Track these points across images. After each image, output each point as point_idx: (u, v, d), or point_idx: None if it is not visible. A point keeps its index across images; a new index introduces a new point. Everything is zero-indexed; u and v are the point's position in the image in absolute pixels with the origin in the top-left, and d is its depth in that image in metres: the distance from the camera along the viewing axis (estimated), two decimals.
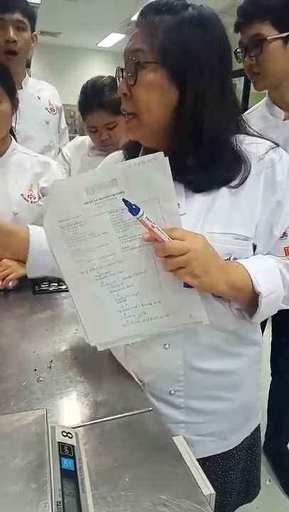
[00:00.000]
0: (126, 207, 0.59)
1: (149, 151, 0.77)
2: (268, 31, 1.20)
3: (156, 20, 0.66)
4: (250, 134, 0.75)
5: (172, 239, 0.61)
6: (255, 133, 0.76)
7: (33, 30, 1.63)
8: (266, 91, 1.40)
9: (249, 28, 1.22)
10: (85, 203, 0.62)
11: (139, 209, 0.59)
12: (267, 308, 0.72)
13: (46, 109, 1.81)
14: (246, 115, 1.48)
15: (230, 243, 0.70)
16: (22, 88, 1.72)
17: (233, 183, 0.70)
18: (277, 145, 0.74)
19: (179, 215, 0.63)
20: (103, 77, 1.48)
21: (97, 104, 1.41)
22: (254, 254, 0.75)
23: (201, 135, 0.68)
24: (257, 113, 1.43)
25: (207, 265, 0.63)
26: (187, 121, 0.68)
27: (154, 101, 0.68)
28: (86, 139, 1.69)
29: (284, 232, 0.74)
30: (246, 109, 1.53)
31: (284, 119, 1.34)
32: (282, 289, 0.73)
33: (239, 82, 5.42)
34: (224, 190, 0.71)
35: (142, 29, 0.68)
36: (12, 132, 1.37)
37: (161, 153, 0.59)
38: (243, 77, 4.94)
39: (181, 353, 0.75)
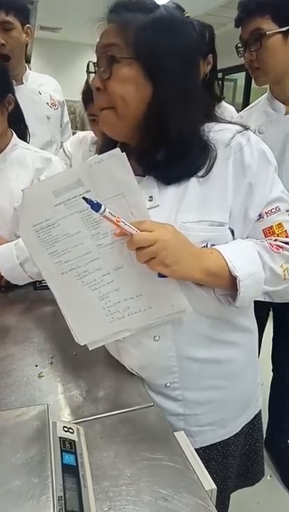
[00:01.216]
0: (88, 205, 0.60)
1: (123, 146, 0.77)
2: (268, 26, 1.19)
3: (130, 17, 0.68)
4: (221, 122, 0.76)
5: (141, 231, 0.62)
6: (224, 121, 0.77)
7: (24, 23, 1.56)
8: (267, 86, 1.39)
9: (249, 23, 1.22)
10: (54, 205, 0.63)
11: (100, 205, 0.59)
12: (249, 292, 0.72)
13: (47, 103, 1.80)
14: (248, 110, 1.48)
15: (205, 230, 0.71)
16: (23, 83, 1.71)
17: (200, 173, 0.71)
18: (246, 128, 0.74)
19: (146, 208, 0.65)
20: None
21: None
22: (233, 239, 0.75)
23: (170, 131, 0.69)
24: (258, 108, 1.43)
25: (178, 254, 0.64)
26: (155, 116, 0.69)
27: (130, 94, 0.68)
28: (88, 135, 1.68)
29: (260, 214, 0.74)
30: (248, 104, 1.52)
31: (285, 114, 1.33)
32: (262, 271, 0.73)
33: (240, 77, 5.40)
34: (194, 180, 0.72)
35: (116, 25, 0.69)
36: (12, 128, 1.36)
37: (118, 150, 0.61)
38: (244, 72, 4.92)
39: (172, 343, 0.75)
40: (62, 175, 0.66)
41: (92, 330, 0.72)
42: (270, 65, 1.24)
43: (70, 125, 2.01)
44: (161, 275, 0.65)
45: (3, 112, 1.24)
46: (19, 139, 1.37)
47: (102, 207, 0.59)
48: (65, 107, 1.96)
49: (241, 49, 1.29)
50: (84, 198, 0.60)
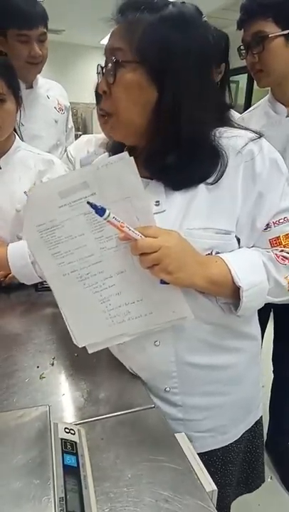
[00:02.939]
0: (92, 209, 0.59)
1: (132, 150, 0.77)
2: (270, 28, 1.19)
3: (135, 18, 0.65)
4: (234, 127, 0.74)
5: (145, 237, 0.61)
6: (238, 125, 0.75)
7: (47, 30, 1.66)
8: (269, 88, 1.39)
9: (251, 26, 1.22)
10: (59, 206, 0.63)
11: (104, 210, 0.59)
12: (252, 302, 0.71)
13: (55, 108, 1.83)
14: (249, 112, 1.48)
15: (210, 238, 0.70)
16: (32, 88, 1.75)
17: (210, 180, 0.70)
18: (260, 136, 0.72)
19: (152, 213, 0.64)
20: None
21: None
22: (239, 248, 0.74)
23: (179, 134, 0.68)
24: (260, 110, 1.43)
25: (181, 261, 0.63)
26: (165, 121, 0.67)
27: (133, 100, 0.67)
28: (92, 138, 1.68)
29: (267, 224, 0.73)
30: (249, 106, 1.52)
31: (287, 116, 1.33)
32: (267, 282, 0.72)
33: (242, 79, 5.40)
34: (202, 186, 0.70)
35: (121, 27, 0.67)
36: (16, 130, 1.37)
37: (126, 154, 0.60)
38: (246, 74, 4.92)
39: (172, 349, 0.75)
40: (69, 176, 0.65)
41: (92, 332, 0.72)
42: (272, 67, 1.25)
43: (74, 130, 2.03)
44: (163, 282, 0.65)
45: (17, 110, 1.24)
46: (22, 141, 1.37)
47: (106, 212, 0.59)
48: (70, 112, 1.98)
49: (243, 51, 1.29)
50: (88, 202, 0.60)
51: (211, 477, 0.59)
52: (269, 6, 1.18)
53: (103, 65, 0.70)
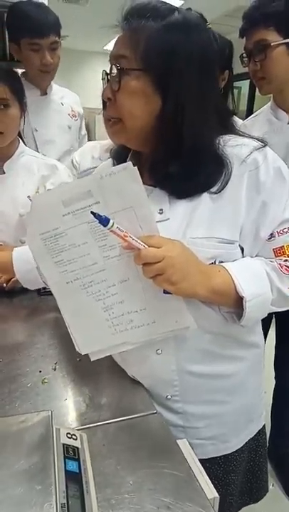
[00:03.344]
0: (96, 219, 0.60)
1: (137, 155, 0.77)
2: (272, 37, 1.21)
3: (140, 25, 0.65)
4: (238, 134, 0.74)
5: (149, 246, 0.61)
6: (242, 133, 0.74)
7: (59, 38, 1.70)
8: (271, 94, 1.40)
9: (253, 34, 1.24)
10: (63, 215, 0.63)
11: (108, 220, 0.59)
12: (255, 312, 0.71)
13: (69, 114, 1.86)
14: (251, 119, 1.49)
15: (214, 247, 0.70)
16: (46, 94, 1.78)
17: (213, 189, 0.70)
18: (264, 145, 0.72)
19: (154, 223, 0.64)
20: None
21: None
22: (243, 257, 0.74)
23: (182, 142, 0.68)
24: (262, 116, 1.44)
25: (184, 271, 0.63)
26: (168, 128, 0.68)
27: (137, 107, 0.68)
28: (97, 144, 1.69)
29: (271, 234, 0.73)
30: (251, 112, 1.53)
31: (288, 123, 1.34)
32: (270, 292, 0.72)
33: (244, 85, 5.42)
34: (206, 195, 0.70)
35: (126, 34, 0.67)
36: (20, 135, 1.38)
37: (130, 163, 0.60)
38: (248, 80, 4.94)
39: (174, 357, 0.75)
40: (73, 185, 0.66)
41: (94, 340, 0.72)
42: (274, 75, 1.26)
43: (86, 137, 2.06)
44: (166, 291, 0.65)
45: (21, 116, 1.25)
46: (25, 146, 1.38)
47: (110, 222, 0.59)
48: (83, 120, 2.02)
49: (246, 59, 1.31)
50: (92, 212, 0.60)
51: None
52: (271, 15, 1.20)
53: (108, 71, 0.70)
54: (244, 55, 1.30)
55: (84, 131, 2.02)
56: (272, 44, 1.21)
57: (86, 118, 1.97)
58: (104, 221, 0.59)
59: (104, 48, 6.93)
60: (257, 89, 1.37)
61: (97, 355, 0.74)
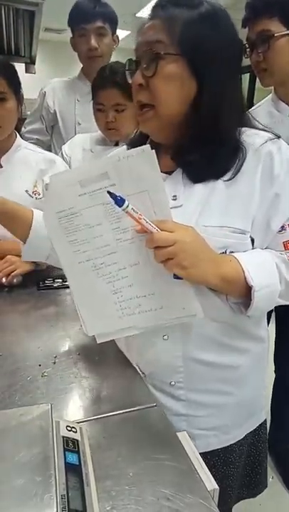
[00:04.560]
0: (111, 199, 0.60)
1: (154, 144, 0.77)
2: (276, 27, 1.19)
3: (176, 12, 0.67)
4: (254, 127, 0.75)
5: (161, 230, 0.62)
6: (260, 126, 0.76)
7: (114, 32, 1.78)
8: (272, 87, 1.39)
9: (257, 24, 1.22)
10: (79, 195, 0.63)
11: (124, 200, 0.59)
12: (262, 303, 0.71)
13: None
14: (252, 111, 1.48)
15: (226, 236, 0.70)
16: None
17: (226, 176, 0.71)
18: (279, 137, 0.73)
19: (169, 208, 0.64)
20: (122, 62, 1.48)
21: (112, 81, 1.41)
22: (253, 248, 0.74)
23: (217, 128, 0.69)
24: (263, 109, 1.43)
25: (196, 257, 0.64)
26: (202, 115, 0.69)
27: (174, 92, 0.68)
28: (87, 136, 1.68)
29: (282, 226, 0.74)
30: (252, 105, 1.52)
31: None
32: (279, 284, 0.72)
33: (244, 79, 5.39)
34: (220, 183, 0.71)
35: (161, 21, 0.68)
36: (17, 129, 1.37)
37: (148, 146, 0.60)
38: (248, 74, 4.92)
39: (180, 344, 0.76)
40: (91, 166, 0.66)
41: (101, 322, 0.72)
42: (276, 66, 1.24)
43: None
44: (176, 276, 0.65)
45: (18, 109, 1.24)
46: (22, 140, 1.38)
47: (126, 202, 0.59)
48: None
49: (248, 49, 1.28)
50: (108, 191, 0.60)
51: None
52: (275, 5, 1.17)
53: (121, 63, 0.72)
54: (246, 45, 1.27)
55: None
56: (275, 34, 1.19)
57: None
58: (119, 202, 0.59)
59: None
60: (258, 81, 1.35)
61: (103, 338, 0.74)
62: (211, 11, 0.68)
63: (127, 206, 0.60)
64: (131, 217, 0.61)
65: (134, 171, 0.61)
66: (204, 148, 0.70)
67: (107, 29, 1.74)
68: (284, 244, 0.75)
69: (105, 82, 1.44)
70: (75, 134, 1.76)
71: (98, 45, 1.72)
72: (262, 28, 1.21)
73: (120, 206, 0.60)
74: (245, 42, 1.27)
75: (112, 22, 1.75)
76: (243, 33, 1.29)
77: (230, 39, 0.69)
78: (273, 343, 1.66)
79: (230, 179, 0.70)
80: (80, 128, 1.75)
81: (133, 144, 0.84)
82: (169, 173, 0.73)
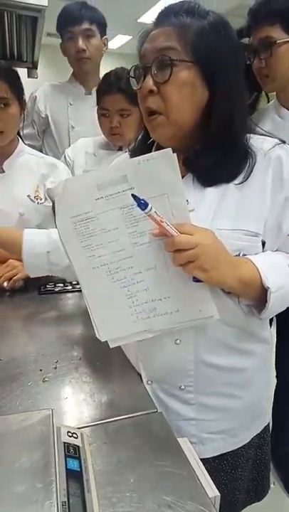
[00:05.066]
0: (135, 202, 0.60)
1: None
2: (278, 34, 1.20)
3: (188, 21, 0.68)
4: (258, 133, 0.77)
5: (181, 233, 0.62)
6: (264, 132, 0.78)
7: (103, 35, 1.76)
8: (272, 93, 1.40)
9: (259, 31, 1.22)
10: (96, 199, 0.63)
11: (147, 204, 0.60)
12: (276, 304, 0.72)
13: None
14: (254, 116, 1.48)
15: (239, 239, 0.71)
16: (90, 94, 1.80)
17: (238, 180, 0.72)
18: (284, 142, 0.75)
19: (187, 211, 0.64)
20: (127, 68, 1.48)
21: (117, 87, 1.42)
22: (263, 251, 0.75)
23: (229, 133, 0.70)
24: (265, 115, 1.43)
25: (216, 260, 0.64)
26: (220, 120, 0.70)
27: (186, 99, 0.69)
28: (90, 140, 1.69)
29: None
30: (253, 111, 1.53)
31: None
32: None
33: None
34: (232, 186, 0.72)
35: (173, 28, 0.69)
36: (19, 134, 1.37)
37: (170, 150, 0.61)
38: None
39: (192, 348, 0.76)
40: (109, 169, 0.65)
41: (116, 327, 0.72)
42: (278, 72, 1.25)
43: None
44: (196, 279, 0.65)
45: (20, 113, 1.25)
46: (25, 145, 1.38)
47: (149, 206, 0.60)
48: None
49: (250, 55, 1.29)
50: (133, 195, 0.60)
51: (221, 482, 0.60)
52: (277, 12, 1.18)
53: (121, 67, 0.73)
54: (249, 51, 1.28)
55: None
56: (277, 41, 1.20)
57: None
58: (143, 205, 0.59)
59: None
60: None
61: (116, 343, 0.74)
62: (218, 21, 0.69)
63: (150, 209, 0.60)
64: (153, 220, 0.61)
65: (154, 173, 0.61)
66: (215, 153, 0.71)
67: (95, 31, 1.73)
68: None
69: (110, 87, 1.44)
70: (69, 138, 1.75)
71: (86, 47, 1.72)
72: (264, 34, 1.21)
73: (143, 209, 0.60)
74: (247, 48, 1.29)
75: (100, 24, 1.74)
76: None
77: (236, 47, 0.71)
78: (274, 347, 1.65)
79: (241, 183, 0.71)
80: (74, 132, 1.74)
81: (136, 151, 0.84)
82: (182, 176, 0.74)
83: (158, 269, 0.67)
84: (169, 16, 0.70)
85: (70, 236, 0.66)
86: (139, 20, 5.88)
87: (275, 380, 1.72)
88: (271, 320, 1.63)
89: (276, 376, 1.71)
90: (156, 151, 0.61)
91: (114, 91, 1.43)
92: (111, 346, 0.74)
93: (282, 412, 1.72)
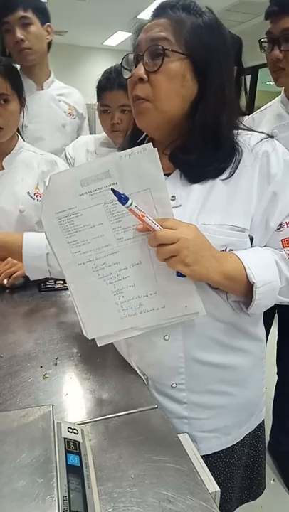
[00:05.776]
0: (115, 197, 0.60)
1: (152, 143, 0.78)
2: None
3: (184, 16, 0.69)
4: (243, 129, 0.77)
5: (164, 228, 0.62)
6: (246, 127, 0.78)
7: (44, 22, 1.63)
8: (277, 88, 1.37)
9: (282, 20, 1.14)
10: (80, 194, 0.63)
11: (127, 198, 0.60)
12: (263, 300, 0.72)
13: (65, 112, 1.82)
14: (260, 112, 1.45)
15: (226, 234, 0.71)
16: (43, 89, 1.75)
17: (224, 176, 0.72)
18: (271, 137, 0.75)
19: (170, 206, 0.64)
20: None
21: (118, 83, 1.41)
22: (251, 247, 0.75)
23: (217, 129, 0.70)
24: (271, 111, 1.40)
25: (199, 254, 0.64)
26: (207, 116, 0.70)
27: (175, 90, 0.69)
28: (91, 138, 1.69)
29: (280, 224, 0.74)
30: (253, 106, 1.51)
31: None
32: (279, 281, 0.73)
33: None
34: (218, 182, 0.72)
35: (168, 20, 0.69)
36: (18, 131, 1.37)
37: (150, 145, 0.61)
38: (249, 76, 4.91)
39: (181, 344, 0.75)
40: (92, 165, 0.65)
41: (102, 325, 0.72)
42: None
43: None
44: (179, 274, 0.65)
45: (20, 111, 1.25)
46: (24, 142, 1.38)
47: (130, 200, 0.60)
48: (86, 122, 1.96)
49: (266, 44, 1.20)
50: (112, 189, 0.60)
51: (214, 479, 0.59)
52: None
53: (119, 60, 0.74)
54: (264, 39, 1.19)
55: (85, 132, 1.97)
56: None
57: (83, 113, 1.95)
58: (123, 199, 0.59)
59: (104, 43, 6.91)
60: (258, 82, 1.34)
61: (104, 341, 0.74)
62: (213, 20, 0.70)
63: (131, 204, 0.60)
64: (134, 215, 0.61)
65: (136, 169, 0.61)
66: (202, 148, 0.71)
67: (32, 18, 1.58)
68: (282, 242, 0.76)
69: (111, 83, 1.44)
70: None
71: (25, 37, 1.57)
72: (287, 25, 1.13)
73: (124, 204, 0.60)
74: (264, 37, 1.20)
75: (37, 9, 1.59)
76: (242, 36, 1.25)
77: (228, 47, 0.72)
78: (273, 343, 1.66)
79: (228, 178, 0.71)
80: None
81: (124, 149, 0.83)
82: (167, 175, 0.74)
83: (143, 265, 0.67)
84: (166, 9, 0.70)
85: (56, 232, 0.66)
86: (139, 17, 5.88)
87: (274, 377, 1.72)
88: (273, 317, 1.64)
89: (277, 373, 1.71)
90: (138, 146, 0.61)
91: (115, 87, 1.43)
92: (99, 345, 0.74)
93: (282, 411, 1.73)
